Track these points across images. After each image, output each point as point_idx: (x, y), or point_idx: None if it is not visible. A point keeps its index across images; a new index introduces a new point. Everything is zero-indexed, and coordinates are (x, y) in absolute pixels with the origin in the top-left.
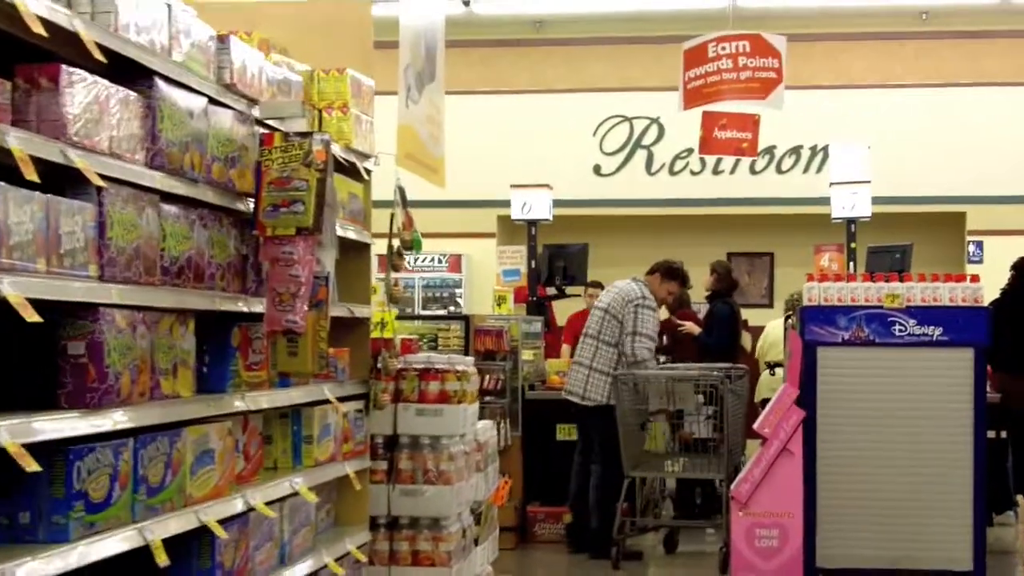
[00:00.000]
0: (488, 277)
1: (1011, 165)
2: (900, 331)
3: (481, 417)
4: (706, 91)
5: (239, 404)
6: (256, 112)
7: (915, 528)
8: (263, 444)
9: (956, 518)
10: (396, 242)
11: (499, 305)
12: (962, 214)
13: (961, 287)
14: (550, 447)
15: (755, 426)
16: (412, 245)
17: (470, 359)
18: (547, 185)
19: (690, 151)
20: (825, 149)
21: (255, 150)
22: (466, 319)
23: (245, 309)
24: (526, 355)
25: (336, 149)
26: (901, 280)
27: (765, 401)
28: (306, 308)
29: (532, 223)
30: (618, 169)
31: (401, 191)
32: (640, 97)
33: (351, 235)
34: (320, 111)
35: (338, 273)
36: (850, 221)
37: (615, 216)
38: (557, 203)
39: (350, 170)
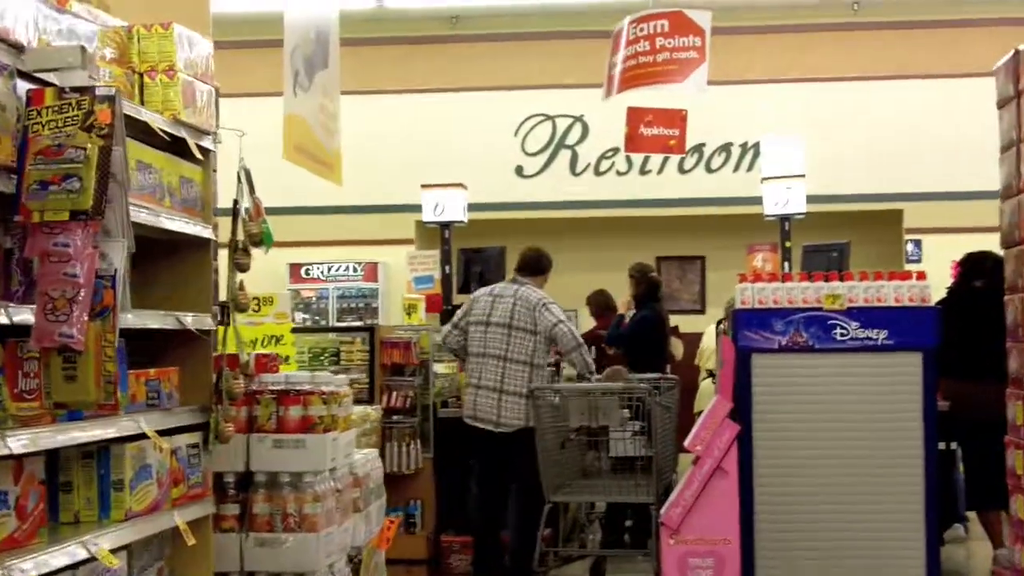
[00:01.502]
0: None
1: (949, 160)
2: (842, 335)
3: (388, 439)
4: (626, 77)
5: None
6: (21, 63)
7: (863, 551)
8: (57, 494)
9: (907, 539)
10: (241, 235)
11: (409, 315)
12: (899, 211)
13: (907, 285)
14: (466, 469)
15: (686, 443)
16: (261, 239)
17: (342, 377)
18: (460, 184)
19: (616, 150)
20: (756, 146)
21: (16, 111)
22: (371, 330)
23: (7, 320)
24: (440, 369)
25: (157, 119)
26: (842, 279)
27: None
28: (86, 318)
29: (446, 225)
30: (541, 170)
31: (247, 173)
32: (563, 94)
33: (182, 227)
34: (141, 75)
35: (168, 275)
36: (784, 219)
37: (538, 219)
38: (478, 207)
39: (181, 149)
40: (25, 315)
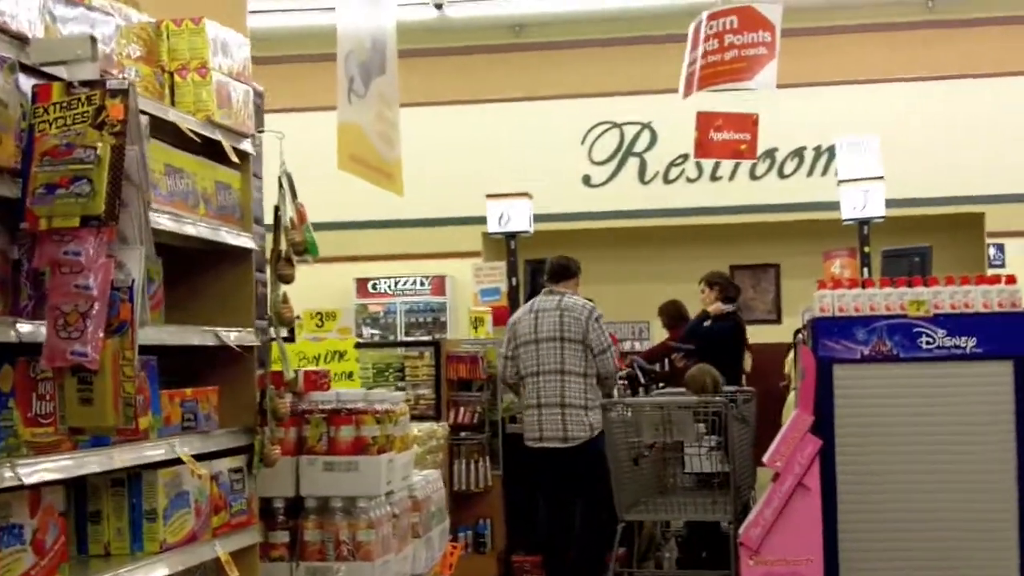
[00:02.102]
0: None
1: None
2: (928, 343)
3: (455, 456)
4: (701, 76)
5: (8, 475)
6: (24, 56)
7: (953, 570)
8: (85, 524)
9: (1000, 557)
10: (283, 245)
11: (476, 328)
12: (980, 215)
13: (996, 290)
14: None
15: (765, 459)
16: (305, 248)
17: (397, 395)
18: (526, 194)
19: (685, 157)
20: (830, 150)
21: (20, 107)
22: (436, 344)
23: (18, 338)
24: None
25: (187, 120)
26: (926, 284)
27: None
28: (101, 334)
29: (511, 236)
30: (609, 179)
31: (288, 178)
32: (630, 101)
33: (218, 236)
34: (171, 74)
35: (210, 288)
36: (862, 223)
37: (607, 229)
38: (544, 217)
39: (216, 152)
40: (36, 331)
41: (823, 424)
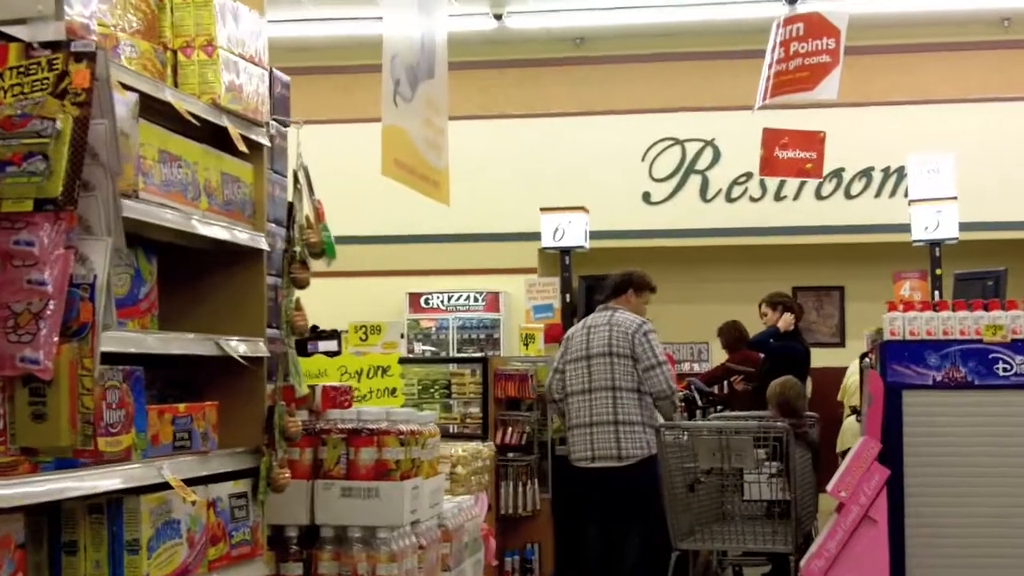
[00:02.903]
0: None
1: None
2: (1005, 370)
3: (503, 477)
4: (765, 89)
5: None
6: None
7: None
8: (59, 556)
9: None
10: (298, 245)
11: (527, 345)
12: None
13: None
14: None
15: (829, 488)
16: (323, 250)
17: (427, 414)
18: (582, 208)
19: (749, 175)
20: (899, 171)
21: None
22: (484, 361)
23: None
24: None
25: (186, 101)
26: (1003, 308)
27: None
28: (56, 338)
29: (566, 251)
30: (670, 196)
31: (305, 172)
32: (692, 117)
33: (223, 234)
34: (175, 52)
35: (219, 293)
36: (934, 244)
37: (667, 247)
38: (604, 234)
39: (222, 140)
40: None
41: (891, 453)
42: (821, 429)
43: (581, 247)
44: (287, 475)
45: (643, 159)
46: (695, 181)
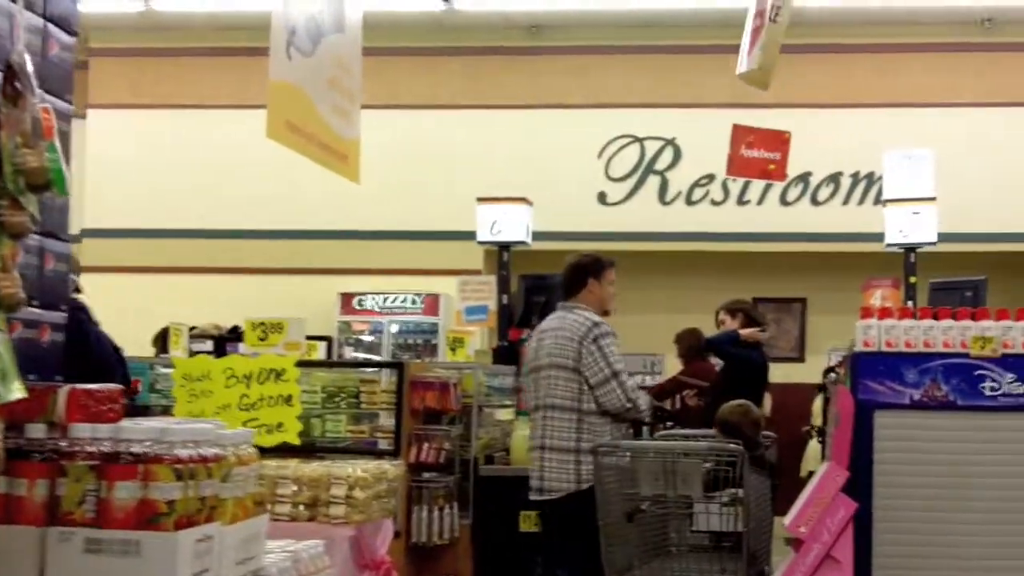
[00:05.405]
0: None
1: None
2: (992, 389)
3: (416, 501)
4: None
5: None
6: None
7: None
8: None
9: None
10: (9, 175)
11: (454, 350)
12: None
13: None
14: (513, 539)
15: (787, 522)
16: (51, 181)
17: (243, 432)
18: (523, 199)
19: (711, 177)
20: (869, 176)
21: None
22: (399, 367)
23: None
24: (502, 415)
25: None
26: (993, 317)
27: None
28: None
29: (504, 247)
30: (626, 197)
31: (21, 67)
32: (653, 114)
33: None
34: None
35: None
36: (909, 249)
37: (621, 251)
38: (554, 235)
39: None
40: None
41: (859, 483)
42: (779, 451)
43: (523, 243)
44: None
45: (599, 156)
46: (654, 182)
